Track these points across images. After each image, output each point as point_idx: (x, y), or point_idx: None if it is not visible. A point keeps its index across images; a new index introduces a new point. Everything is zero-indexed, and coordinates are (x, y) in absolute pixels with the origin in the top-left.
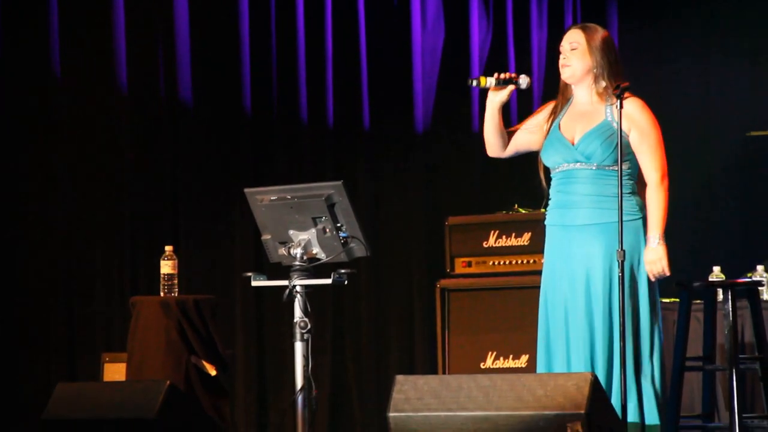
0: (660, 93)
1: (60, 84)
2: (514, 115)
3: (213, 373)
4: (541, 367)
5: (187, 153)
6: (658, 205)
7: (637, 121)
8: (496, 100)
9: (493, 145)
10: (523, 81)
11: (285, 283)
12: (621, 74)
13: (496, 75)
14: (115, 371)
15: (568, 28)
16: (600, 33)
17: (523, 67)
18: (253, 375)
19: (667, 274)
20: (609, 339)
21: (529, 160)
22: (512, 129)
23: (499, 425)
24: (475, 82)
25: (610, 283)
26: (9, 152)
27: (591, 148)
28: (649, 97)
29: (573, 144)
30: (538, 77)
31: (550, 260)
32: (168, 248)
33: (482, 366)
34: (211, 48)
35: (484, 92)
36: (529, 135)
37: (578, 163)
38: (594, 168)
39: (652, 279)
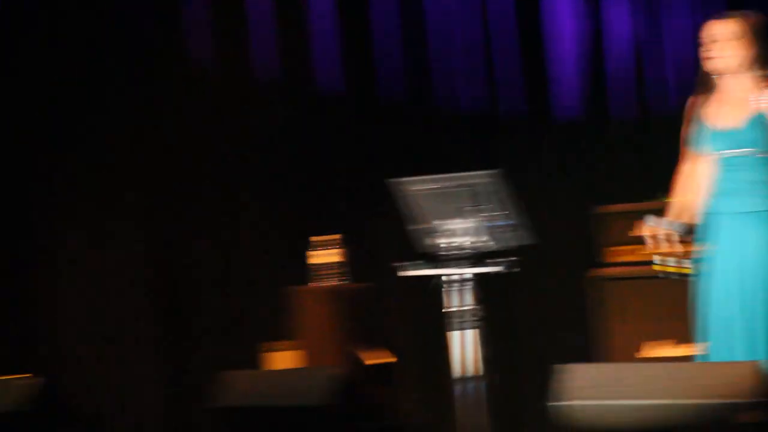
0: None
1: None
2: None
3: (377, 361)
4: (705, 354)
5: (340, 143)
6: None
7: None
8: None
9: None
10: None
11: (449, 270)
12: None
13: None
14: (277, 360)
15: (716, 18)
16: (752, 19)
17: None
18: (417, 364)
19: None
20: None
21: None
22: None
23: (673, 413)
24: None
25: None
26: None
27: (754, 135)
28: None
29: (738, 129)
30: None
31: (714, 248)
32: (335, 237)
33: (639, 356)
34: (359, 38)
35: None
36: None
37: (740, 149)
38: (754, 153)
39: None
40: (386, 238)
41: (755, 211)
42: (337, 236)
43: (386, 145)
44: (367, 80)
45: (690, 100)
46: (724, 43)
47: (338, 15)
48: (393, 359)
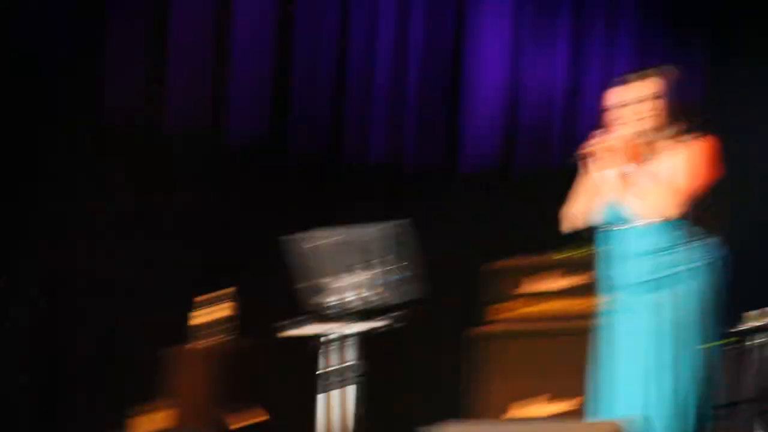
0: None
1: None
2: None
3: (248, 421)
4: (597, 410)
5: (236, 196)
6: (658, 187)
7: (688, 158)
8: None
9: (580, 223)
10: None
11: (333, 327)
12: (692, 113)
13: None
14: (146, 422)
15: (632, 77)
16: (668, 76)
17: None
18: (298, 421)
19: None
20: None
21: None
22: None
23: None
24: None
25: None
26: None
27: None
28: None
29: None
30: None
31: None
32: (225, 292)
33: (520, 413)
34: (269, 91)
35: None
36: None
37: (631, 219)
38: (648, 221)
39: None
40: (280, 295)
41: (654, 278)
42: (228, 290)
43: (290, 198)
44: (276, 131)
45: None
46: (637, 105)
47: (254, 66)
48: (265, 418)
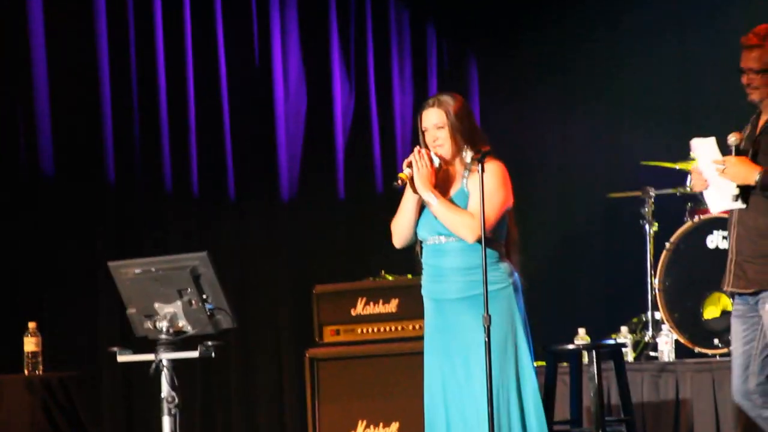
0: (520, 154)
1: None
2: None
3: None
4: None
5: (50, 226)
6: (456, 212)
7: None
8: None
9: (407, 237)
10: (435, 159)
11: (151, 357)
12: (480, 137)
13: (407, 162)
14: None
15: (425, 106)
16: (455, 103)
17: (387, 131)
18: None
19: None
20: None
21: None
22: None
23: None
24: (399, 181)
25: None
26: None
27: None
28: (508, 158)
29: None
30: (402, 142)
31: (428, 332)
32: (31, 325)
33: None
34: (72, 118)
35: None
36: None
37: (442, 236)
38: (457, 240)
39: None
40: (108, 323)
41: (461, 297)
42: (33, 324)
43: (106, 227)
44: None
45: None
46: (439, 131)
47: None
48: None
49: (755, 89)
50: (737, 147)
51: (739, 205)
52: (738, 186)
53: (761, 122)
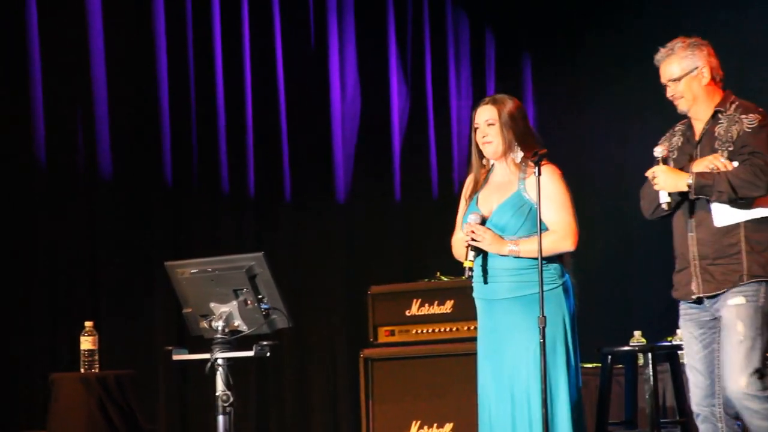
0: (575, 155)
1: None
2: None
3: None
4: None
5: (106, 227)
6: (544, 241)
7: (544, 189)
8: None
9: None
10: (476, 218)
11: (207, 356)
12: (535, 141)
13: (465, 243)
14: None
15: (479, 104)
16: (511, 104)
17: (443, 134)
18: None
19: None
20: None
21: (452, 228)
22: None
23: None
24: (469, 271)
25: (534, 352)
26: None
27: (503, 221)
28: (562, 160)
29: (487, 217)
30: (458, 146)
31: (480, 333)
32: (88, 324)
33: None
34: (131, 121)
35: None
36: None
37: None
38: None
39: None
40: (165, 322)
41: (511, 298)
42: (90, 323)
43: (163, 228)
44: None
45: (467, 180)
46: (489, 128)
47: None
48: None
49: (680, 98)
50: (664, 159)
51: (666, 210)
52: (669, 194)
53: (698, 130)
